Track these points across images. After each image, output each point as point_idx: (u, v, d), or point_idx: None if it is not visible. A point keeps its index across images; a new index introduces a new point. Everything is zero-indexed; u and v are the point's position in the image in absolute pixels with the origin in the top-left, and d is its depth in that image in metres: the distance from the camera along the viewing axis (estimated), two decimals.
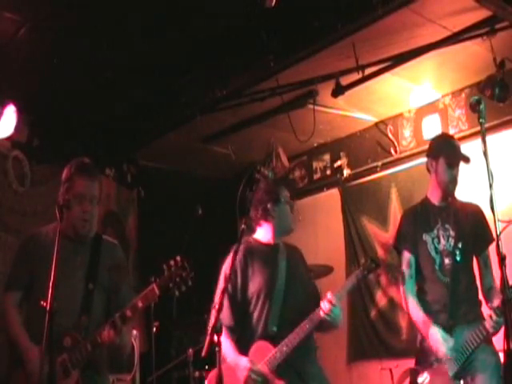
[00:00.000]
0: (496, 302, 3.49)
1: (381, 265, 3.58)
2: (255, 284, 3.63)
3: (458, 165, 3.81)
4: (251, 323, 3.60)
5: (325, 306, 3.40)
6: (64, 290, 3.11)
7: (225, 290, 3.12)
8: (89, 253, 3.47)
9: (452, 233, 3.78)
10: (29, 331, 3.30)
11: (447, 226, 3.80)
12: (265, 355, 3.46)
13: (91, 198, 3.39)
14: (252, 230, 3.81)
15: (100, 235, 3.61)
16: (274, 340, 3.49)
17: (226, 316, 3.60)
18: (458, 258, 3.74)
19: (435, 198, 3.88)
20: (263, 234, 3.77)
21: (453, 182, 3.82)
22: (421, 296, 3.81)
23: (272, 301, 3.58)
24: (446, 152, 3.82)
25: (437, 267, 3.77)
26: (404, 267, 3.85)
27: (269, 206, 3.71)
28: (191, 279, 3.10)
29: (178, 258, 3.13)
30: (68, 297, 3.24)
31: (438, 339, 3.59)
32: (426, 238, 3.82)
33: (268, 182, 3.94)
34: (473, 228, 3.79)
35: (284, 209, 3.75)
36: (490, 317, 3.46)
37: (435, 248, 3.80)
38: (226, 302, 3.59)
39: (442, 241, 3.79)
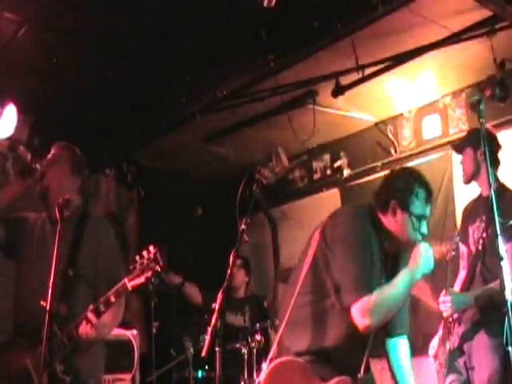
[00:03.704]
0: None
1: None
2: None
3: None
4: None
5: None
6: (45, 275, 2.94)
7: (224, 290, 2.87)
8: (71, 235, 3.30)
9: (482, 225, 3.72)
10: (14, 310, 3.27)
11: (483, 217, 3.73)
12: None
13: None
14: None
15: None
16: None
17: None
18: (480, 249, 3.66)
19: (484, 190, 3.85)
20: None
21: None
22: None
23: None
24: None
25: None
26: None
27: None
28: (164, 271, 2.96)
29: (152, 249, 2.96)
30: (46, 282, 2.96)
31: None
32: (469, 230, 3.81)
33: None
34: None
35: None
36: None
37: (473, 240, 3.76)
38: None
39: (476, 233, 3.75)
